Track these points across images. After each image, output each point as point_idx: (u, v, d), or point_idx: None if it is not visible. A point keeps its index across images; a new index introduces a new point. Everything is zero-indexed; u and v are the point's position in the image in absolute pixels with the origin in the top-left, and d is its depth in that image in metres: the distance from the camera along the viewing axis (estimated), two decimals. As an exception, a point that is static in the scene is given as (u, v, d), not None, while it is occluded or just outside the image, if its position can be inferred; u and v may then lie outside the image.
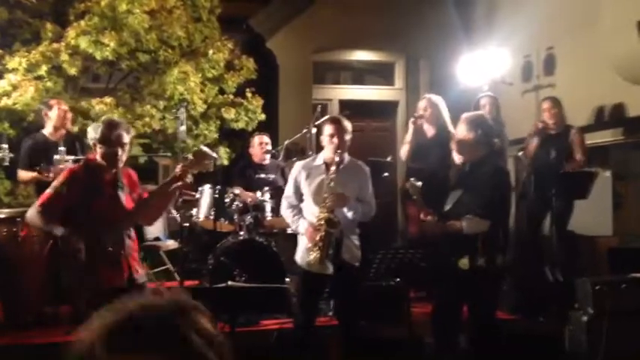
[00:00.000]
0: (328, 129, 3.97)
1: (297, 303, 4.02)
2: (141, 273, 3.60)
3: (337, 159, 3.88)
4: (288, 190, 4.11)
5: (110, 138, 3.45)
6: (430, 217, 3.86)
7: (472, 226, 3.72)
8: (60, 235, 3.51)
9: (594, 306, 4.19)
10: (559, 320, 4.50)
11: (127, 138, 3.51)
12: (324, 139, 4.00)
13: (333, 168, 3.85)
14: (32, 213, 3.50)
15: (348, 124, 4.00)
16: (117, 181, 3.54)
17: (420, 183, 3.91)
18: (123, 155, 3.51)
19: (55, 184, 3.52)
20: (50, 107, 5.18)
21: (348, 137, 3.96)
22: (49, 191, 3.50)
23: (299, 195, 4.04)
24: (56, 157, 4.78)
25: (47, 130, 5.16)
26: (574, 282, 4.50)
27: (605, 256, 5.65)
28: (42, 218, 3.45)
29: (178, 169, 3.47)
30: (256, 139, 6.11)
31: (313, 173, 4.00)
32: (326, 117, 4.70)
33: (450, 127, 5.47)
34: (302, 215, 4.01)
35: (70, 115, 5.32)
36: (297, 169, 4.09)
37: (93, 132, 3.60)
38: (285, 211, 4.09)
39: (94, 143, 3.52)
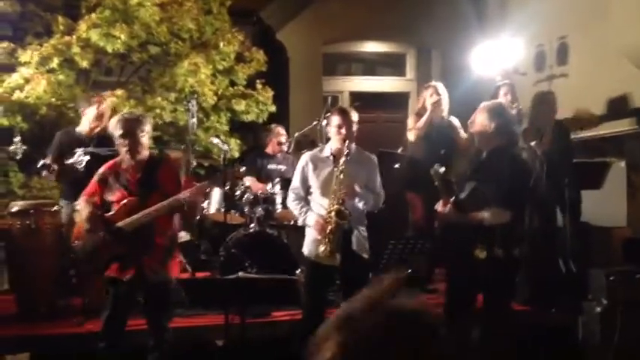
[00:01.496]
0: (335, 120, 3.96)
1: (305, 295, 4.00)
2: (159, 272, 3.60)
3: (346, 150, 3.86)
4: (295, 181, 4.09)
5: (118, 131, 3.57)
6: (449, 207, 3.83)
7: (494, 218, 3.69)
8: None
9: (608, 297, 4.16)
10: (572, 311, 4.46)
11: (137, 129, 3.56)
12: (332, 130, 3.99)
13: (342, 159, 3.83)
14: (81, 202, 3.69)
15: (354, 115, 3.99)
16: (143, 178, 3.60)
17: (442, 169, 3.87)
18: (138, 147, 3.58)
19: (95, 176, 3.73)
20: (89, 104, 5.11)
21: (355, 128, 3.95)
22: (92, 182, 3.71)
23: (306, 187, 4.03)
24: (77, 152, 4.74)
25: (82, 127, 5.09)
26: (588, 273, 4.46)
27: (620, 247, 5.60)
28: (85, 206, 3.62)
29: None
30: (277, 131, 6.12)
31: (321, 165, 3.99)
32: (334, 108, 4.67)
33: (447, 115, 5.48)
34: (309, 207, 3.99)
35: (108, 114, 5.08)
36: (304, 160, 4.07)
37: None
38: (292, 203, 4.08)
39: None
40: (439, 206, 3.88)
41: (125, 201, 3.57)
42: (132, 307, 3.68)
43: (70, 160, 4.69)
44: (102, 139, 4.73)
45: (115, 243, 3.53)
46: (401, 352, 0.93)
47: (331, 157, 3.97)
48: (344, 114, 3.99)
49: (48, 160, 4.71)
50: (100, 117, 5.01)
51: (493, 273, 3.69)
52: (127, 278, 3.55)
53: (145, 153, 3.65)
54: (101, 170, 3.72)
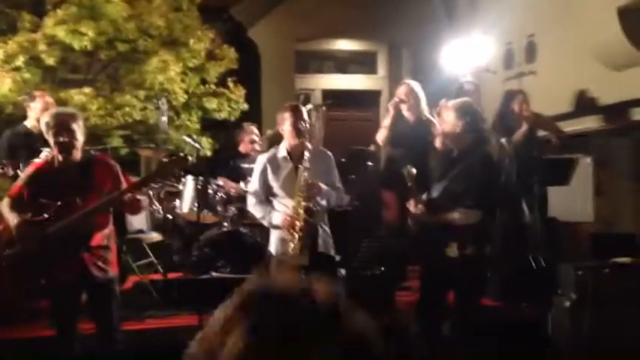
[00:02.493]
0: (287, 116, 3.92)
1: None
2: (104, 270, 3.47)
3: (307, 144, 3.84)
4: (255, 185, 4.02)
5: (51, 128, 3.37)
6: (420, 207, 3.86)
7: (463, 219, 3.73)
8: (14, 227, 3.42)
9: (577, 291, 4.23)
10: (542, 306, 4.53)
11: (72, 125, 3.37)
12: (285, 127, 3.93)
13: (307, 155, 3.80)
14: (2, 205, 3.51)
15: (304, 109, 3.98)
16: (77, 176, 3.43)
17: (414, 170, 3.91)
18: (73, 144, 3.38)
19: (21, 177, 3.56)
20: (33, 98, 5.06)
21: (306, 123, 3.94)
22: (16, 184, 3.55)
23: (266, 189, 3.97)
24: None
25: (29, 122, 5.03)
26: (557, 268, 4.53)
27: (587, 242, 5.71)
28: (9, 210, 3.44)
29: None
30: (249, 130, 6.07)
31: (280, 166, 3.94)
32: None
33: (427, 114, 5.47)
34: (272, 208, 3.95)
35: (53, 107, 5.12)
36: (262, 164, 3.99)
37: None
38: (255, 207, 4.01)
39: None
40: (411, 206, 3.91)
41: (60, 203, 3.37)
42: (78, 309, 3.55)
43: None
44: None
45: (50, 248, 3.36)
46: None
47: (288, 157, 3.94)
48: (295, 109, 3.95)
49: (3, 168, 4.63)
50: (45, 110, 4.92)
51: (465, 271, 3.74)
52: (68, 280, 3.41)
53: (78, 152, 3.45)
54: (30, 170, 3.53)
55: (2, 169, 4.67)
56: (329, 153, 4.10)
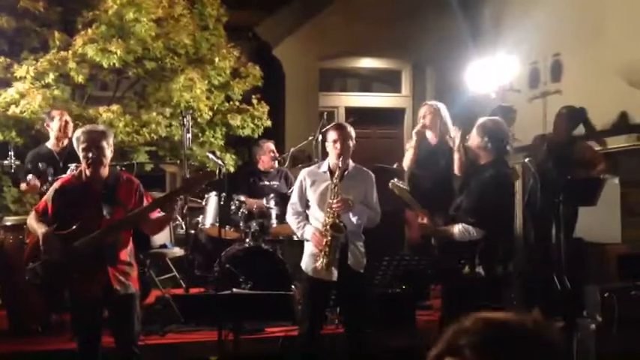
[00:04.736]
0: (332, 135, 4.03)
1: (302, 310, 3.99)
2: (126, 285, 3.52)
3: (340, 165, 3.89)
4: (294, 197, 4.14)
5: (81, 144, 3.47)
6: (426, 220, 3.88)
7: (463, 233, 3.74)
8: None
9: (603, 314, 4.15)
10: (567, 328, 4.44)
11: (102, 142, 3.46)
12: (329, 145, 4.05)
13: (337, 173, 3.87)
14: (29, 219, 3.61)
15: (351, 130, 4.03)
16: (103, 191, 3.50)
17: (401, 183, 3.96)
18: (102, 160, 3.47)
19: (48, 192, 3.63)
20: (52, 118, 5.16)
21: (351, 143, 3.99)
22: (43, 199, 3.63)
23: (304, 202, 4.07)
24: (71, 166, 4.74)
25: (50, 142, 5.15)
26: (582, 289, 4.45)
27: (614, 264, 5.60)
28: (36, 222, 3.52)
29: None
30: (266, 146, 6.12)
31: (318, 180, 4.03)
32: (331, 124, 4.71)
33: (451, 134, 5.44)
34: (307, 221, 4.02)
35: (71, 125, 5.20)
36: (302, 176, 4.12)
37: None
38: (290, 218, 4.12)
39: None
40: (419, 218, 3.94)
41: (85, 217, 3.44)
42: (100, 323, 3.59)
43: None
44: (72, 152, 4.74)
45: (75, 262, 3.41)
46: None
47: (328, 173, 4.00)
48: (339, 129, 4.04)
49: (27, 183, 4.77)
50: (63, 128, 5.04)
51: (478, 290, 3.71)
52: (91, 294, 3.46)
53: (106, 168, 3.55)
54: (57, 185, 3.61)
55: (28, 184, 4.79)
56: (370, 173, 4.14)
